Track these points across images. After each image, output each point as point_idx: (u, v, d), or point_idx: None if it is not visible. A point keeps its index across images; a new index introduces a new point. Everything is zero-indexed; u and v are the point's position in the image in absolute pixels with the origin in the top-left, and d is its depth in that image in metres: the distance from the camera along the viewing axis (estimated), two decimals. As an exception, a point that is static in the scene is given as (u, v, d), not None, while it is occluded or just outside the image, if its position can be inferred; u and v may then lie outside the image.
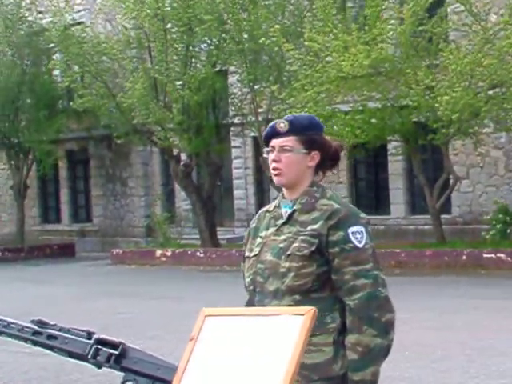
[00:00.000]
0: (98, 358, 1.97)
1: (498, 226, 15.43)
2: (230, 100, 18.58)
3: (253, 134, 18.57)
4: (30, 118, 21.64)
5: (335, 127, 14.83)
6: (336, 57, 14.16)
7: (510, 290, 11.56)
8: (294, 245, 2.61)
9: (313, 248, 2.59)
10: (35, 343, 2.05)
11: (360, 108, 15.23)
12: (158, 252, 18.33)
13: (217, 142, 18.51)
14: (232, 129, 19.20)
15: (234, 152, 20.15)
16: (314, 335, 2.54)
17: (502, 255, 13.90)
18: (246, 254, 2.76)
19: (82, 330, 2.02)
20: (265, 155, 2.72)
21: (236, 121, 18.74)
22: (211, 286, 13.65)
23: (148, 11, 17.28)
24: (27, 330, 2.05)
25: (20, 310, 10.37)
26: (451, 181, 15.77)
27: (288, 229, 2.66)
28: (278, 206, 2.73)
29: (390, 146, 17.07)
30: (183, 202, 20.80)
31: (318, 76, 14.53)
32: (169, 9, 17.48)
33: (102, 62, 19.23)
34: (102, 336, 1.99)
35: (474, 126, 14.94)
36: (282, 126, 2.65)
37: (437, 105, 13.81)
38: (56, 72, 21.99)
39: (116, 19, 19.63)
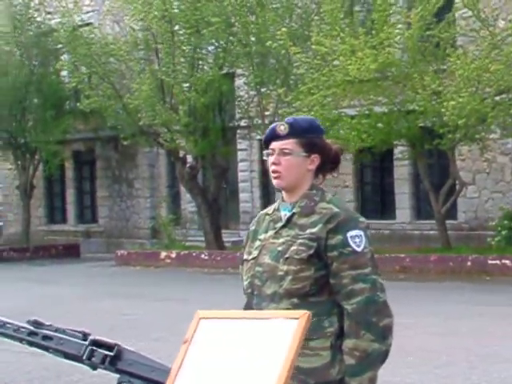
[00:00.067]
0: (93, 359, 1.97)
1: (504, 233, 15.37)
2: (236, 103, 18.59)
3: (259, 137, 18.56)
4: (37, 119, 21.69)
5: (341, 131, 14.82)
6: (343, 61, 14.15)
7: (514, 297, 11.52)
8: (293, 248, 2.60)
9: (311, 251, 2.58)
10: (31, 344, 2.05)
11: (366, 112, 15.21)
12: (163, 254, 18.34)
13: (223, 145, 18.51)
14: (238, 131, 19.21)
15: (240, 155, 20.16)
16: (312, 339, 2.53)
17: (507, 261, 13.85)
18: (245, 256, 2.75)
19: (78, 331, 2.01)
20: (265, 158, 2.71)
21: (242, 123, 18.75)
22: (216, 289, 13.65)
23: (156, 13, 17.31)
24: (23, 330, 2.05)
25: (25, 310, 10.39)
26: (457, 186, 15.74)
27: (287, 232, 2.65)
28: (278, 209, 2.72)
29: (396, 151, 17.04)
30: (189, 204, 20.81)
31: (325, 80, 14.53)
32: (176, 11, 17.50)
33: (109, 63, 19.27)
34: (98, 337, 1.99)
35: (480, 132, 14.91)
36: (282, 128, 2.64)
37: (443, 110, 13.79)
38: (64, 73, 22.04)
39: (124, 21, 19.66)
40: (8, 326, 2.06)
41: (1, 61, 21.71)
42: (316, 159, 2.68)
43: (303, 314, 1.65)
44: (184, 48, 17.87)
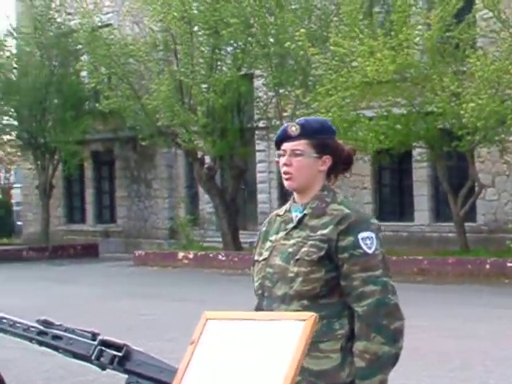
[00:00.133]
0: (102, 359, 1.96)
1: (523, 235, 15.26)
2: (254, 104, 18.60)
3: (277, 138, 18.53)
4: (57, 119, 21.82)
5: (359, 133, 14.78)
6: (361, 62, 14.11)
7: (533, 300, 11.43)
8: (303, 249, 2.59)
9: (322, 253, 2.56)
10: (40, 343, 2.05)
11: (385, 114, 15.15)
12: (180, 254, 18.37)
13: (241, 146, 18.52)
14: (256, 132, 19.21)
15: (259, 156, 20.15)
16: (322, 341, 2.52)
17: (527, 264, 13.75)
18: (256, 257, 2.74)
19: (87, 331, 2.01)
20: (276, 159, 2.70)
21: (261, 124, 18.75)
22: (233, 290, 13.65)
23: (175, 14, 17.35)
24: (33, 329, 2.05)
25: (43, 309, 10.44)
26: (476, 188, 15.64)
27: (298, 233, 2.63)
28: (289, 210, 2.71)
29: (414, 153, 16.97)
30: (207, 204, 20.84)
31: (343, 81, 14.49)
32: (195, 12, 17.55)
33: (128, 63, 19.36)
34: (106, 337, 1.99)
35: (500, 134, 14.80)
36: (294, 129, 2.62)
37: (462, 112, 13.70)
38: (83, 73, 22.18)
39: (143, 21, 19.74)
40: (18, 325, 2.07)
41: (21, 61, 21.89)
42: (328, 160, 2.66)
43: (310, 316, 1.64)
44: (203, 49, 17.91)
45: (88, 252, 21.82)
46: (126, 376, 1.95)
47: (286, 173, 2.65)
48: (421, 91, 14.82)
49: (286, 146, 2.64)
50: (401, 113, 15.15)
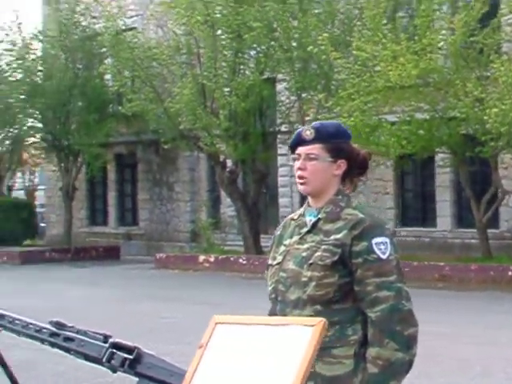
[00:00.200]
0: (113, 361, 1.96)
1: (547, 242, 15.11)
2: (277, 108, 18.59)
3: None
4: (81, 121, 21.96)
5: (382, 138, 14.72)
6: (384, 66, 14.05)
7: (556, 308, 11.31)
8: (317, 254, 2.57)
9: (335, 258, 2.55)
10: (52, 345, 2.06)
11: (407, 119, 15.07)
12: (201, 257, 18.40)
13: (263, 150, 18.51)
14: (279, 136, 19.19)
15: (280, 160, 20.13)
16: (335, 347, 2.51)
17: (550, 272, 13.60)
18: (270, 261, 2.74)
19: (99, 333, 2.02)
20: (291, 163, 2.70)
21: (283, 129, 18.72)
22: (253, 293, 13.60)
23: (198, 17, 17.39)
24: (45, 331, 2.06)
25: (64, 311, 10.51)
26: (499, 195, 15.50)
27: (311, 238, 2.62)
28: (303, 215, 2.70)
29: (437, 158, 16.87)
30: (228, 208, 20.86)
31: (366, 85, 14.44)
32: (219, 15, 17.58)
33: (151, 67, 19.43)
34: (118, 340, 1.99)
35: (524, 140, 14.67)
36: (308, 133, 2.62)
37: (486, 117, 13.60)
38: (107, 76, 22.30)
39: (167, 25, 19.81)
40: (30, 326, 2.07)
41: (47, 64, 22.06)
42: (342, 164, 2.65)
43: (319, 322, 1.63)
44: (225, 52, 17.93)
45: (110, 254, 21.92)
46: (136, 379, 1.95)
47: (300, 177, 2.65)
48: (444, 96, 14.72)
49: (301, 150, 2.64)
50: (423, 118, 15.06)
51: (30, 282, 16.32)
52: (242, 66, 18.02)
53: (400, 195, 18.76)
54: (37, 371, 7.39)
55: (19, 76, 22.04)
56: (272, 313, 2.70)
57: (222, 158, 18.94)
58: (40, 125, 22.97)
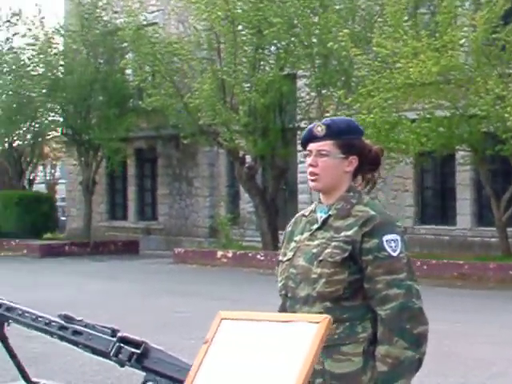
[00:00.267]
0: (120, 356, 1.97)
1: None
2: (297, 104, 18.55)
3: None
4: (101, 116, 22.04)
5: (401, 135, 14.65)
6: (404, 63, 13.97)
7: None
8: (327, 251, 2.56)
9: (345, 255, 2.54)
10: (61, 338, 2.07)
11: (427, 116, 14.98)
12: (219, 253, 18.43)
13: (282, 146, 18.50)
14: (298, 133, 19.11)
15: (300, 156, 20.03)
16: (344, 344, 2.50)
17: None
18: (280, 257, 2.73)
19: (107, 327, 2.03)
20: (302, 159, 2.69)
21: (302, 125, 18.65)
22: (271, 289, 13.54)
23: (219, 13, 17.41)
24: (54, 324, 2.07)
25: (83, 304, 10.58)
26: (520, 193, 15.38)
27: (322, 234, 2.61)
28: (314, 211, 2.69)
29: (457, 156, 16.76)
30: (247, 204, 20.86)
31: (386, 82, 14.37)
32: (239, 11, 17.57)
33: (172, 62, 19.46)
34: (125, 334, 1.99)
35: (545, 138, 14.54)
36: (319, 129, 2.60)
37: (507, 115, 13.49)
38: (128, 71, 22.37)
39: (188, 20, 19.84)
40: (40, 319, 2.09)
41: (68, 59, 22.17)
42: (354, 161, 2.64)
43: (324, 319, 1.63)
44: (246, 48, 17.93)
45: (129, 248, 22.01)
46: (144, 373, 1.96)
47: (311, 173, 2.63)
48: (465, 94, 14.62)
49: (312, 146, 2.63)
50: (444, 115, 14.97)
51: (49, 275, 16.43)
52: (262, 62, 18.01)
53: (419, 193, 18.66)
54: (54, 363, 7.43)
55: (41, 70, 22.15)
56: (282, 309, 2.69)
57: (241, 153, 18.94)
58: (61, 119, 23.10)
